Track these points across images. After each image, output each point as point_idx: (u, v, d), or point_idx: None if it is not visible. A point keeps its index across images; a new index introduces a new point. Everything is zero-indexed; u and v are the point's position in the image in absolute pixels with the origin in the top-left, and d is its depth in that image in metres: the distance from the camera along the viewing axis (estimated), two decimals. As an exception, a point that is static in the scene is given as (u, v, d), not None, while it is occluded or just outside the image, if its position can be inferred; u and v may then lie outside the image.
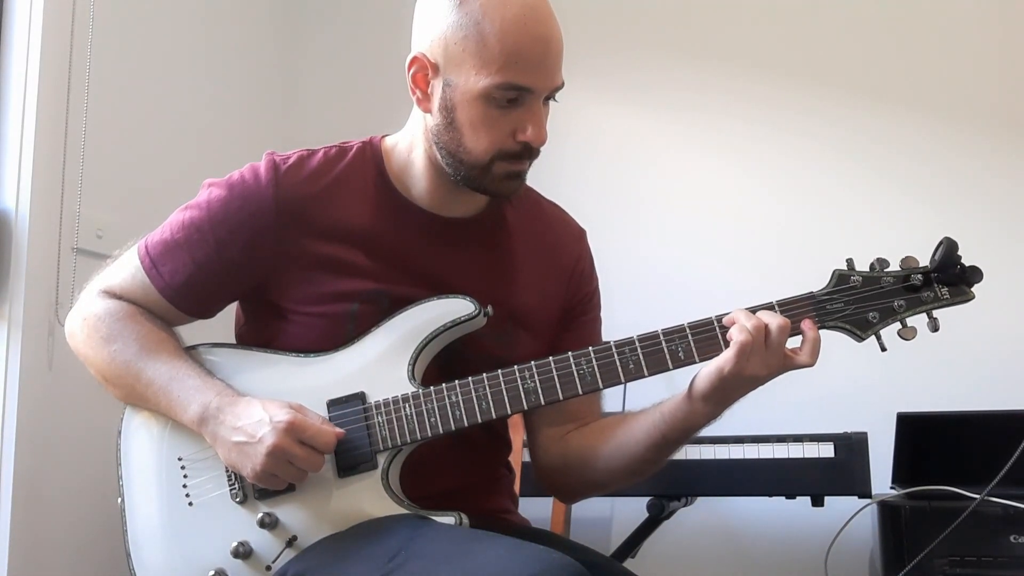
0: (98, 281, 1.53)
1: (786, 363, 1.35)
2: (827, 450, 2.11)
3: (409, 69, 1.44)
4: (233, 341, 1.56)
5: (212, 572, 1.40)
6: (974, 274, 1.35)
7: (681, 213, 2.85)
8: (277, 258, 1.45)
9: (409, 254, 1.48)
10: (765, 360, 1.33)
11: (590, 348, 1.39)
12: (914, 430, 2.21)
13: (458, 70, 1.39)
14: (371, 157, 1.51)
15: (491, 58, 1.36)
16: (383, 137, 1.55)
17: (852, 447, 2.10)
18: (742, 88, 2.82)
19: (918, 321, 1.36)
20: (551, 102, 1.45)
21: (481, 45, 1.36)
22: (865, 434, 2.12)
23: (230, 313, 1.58)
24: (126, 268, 1.51)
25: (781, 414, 2.52)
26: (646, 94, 2.92)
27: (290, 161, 1.48)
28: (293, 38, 3.14)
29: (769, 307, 1.37)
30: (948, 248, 1.35)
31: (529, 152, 1.42)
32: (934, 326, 1.35)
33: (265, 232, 1.44)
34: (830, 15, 2.81)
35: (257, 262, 1.46)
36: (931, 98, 2.71)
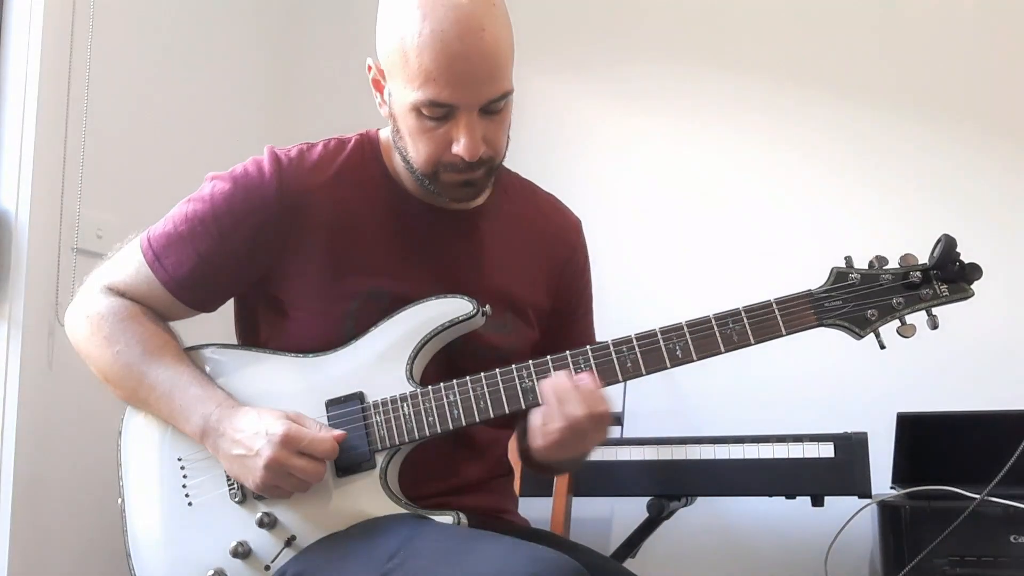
0: (99, 276, 1.52)
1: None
2: (827, 450, 2.11)
3: (368, 72, 1.45)
4: (231, 340, 1.56)
5: (211, 572, 1.40)
6: (973, 271, 1.35)
7: (678, 210, 2.85)
8: (280, 251, 1.45)
9: (411, 246, 1.49)
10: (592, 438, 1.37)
11: (587, 347, 1.39)
12: (914, 430, 2.21)
13: (394, 81, 1.39)
14: (370, 149, 1.52)
15: (412, 75, 1.35)
16: (379, 130, 1.55)
17: (852, 447, 2.10)
18: (739, 86, 2.82)
19: (917, 319, 1.35)
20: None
21: (404, 61, 1.35)
22: (865, 434, 2.11)
23: (229, 312, 1.57)
24: (129, 263, 1.50)
25: (781, 414, 2.52)
26: (642, 91, 2.92)
27: (292, 154, 1.48)
28: (293, 39, 3.14)
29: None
30: (947, 245, 1.34)
31: (469, 164, 1.39)
32: (933, 324, 1.35)
33: (268, 225, 1.44)
34: (827, 15, 2.81)
35: (260, 255, 1.46)
36: (928, 96, 2.70)
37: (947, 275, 1.35)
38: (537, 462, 1.52)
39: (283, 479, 1.36)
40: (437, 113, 1.36)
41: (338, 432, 1.38)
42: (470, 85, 1.35)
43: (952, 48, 2.69)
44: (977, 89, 2.66)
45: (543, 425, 1.36)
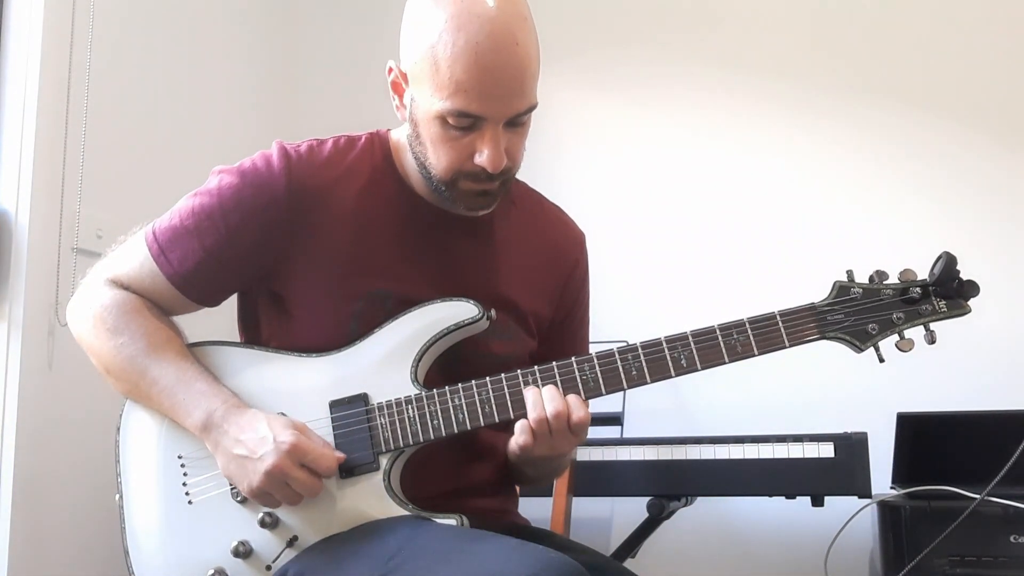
0: (104, 268, 1.51)
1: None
2: (827, 450, 2.11)
3: (388, 75, 1.45)
4: (233, 337, 1.56)
5: (212, 571, 1.40)
6: (971, 288, 1.36)
7: (683, 219, 2.85)
8: (286, 248, 1.45)
9: (417, 248, 1.49)
10: (553, 444, 1.38)
11: (593, 354, 1.39)
12: (914, 430, 2.22)
13: (419, 88, 1.39)
14: (380, 149, 1.52)
15: (442, 84, 1.34)
16: (388, 131, 1.55)
17: (852, 447, 2.10)
18: (747, 89, 2.83)
19: (915, 333, 1.37)
20: (534, 116, 1.42)
21: (434, 69, 1.35)
22: (865, 434, 2.12)
23: (232, 308, 1.57)
24: (133, 256, 1.49)
25: (781, 414, 2.52)
26: (649, 95, 2.92)
27: (301, 149, 1.47)
28: (293, 37, 3.15)
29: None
30: (948, 263, 1.36)
31: (489, 175, 1.40)
32: (930, 338, 1.36)
33: (276, 220, 1.44)
34: (834, 13, 2.81)
35: (267, 251, 1.45)
36: (934, 100, 2.71)
37: (946, 292, 1.36)
38: (514, 463, 1.54)
39: (280, 488, 1.36)
40: (463, 123, 1.36)
41: (340, 454, 1.39)
42: (500, 98, 1.35)
43: (964, 54, 2.69)
44: (986, 91, 2.67)
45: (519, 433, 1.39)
